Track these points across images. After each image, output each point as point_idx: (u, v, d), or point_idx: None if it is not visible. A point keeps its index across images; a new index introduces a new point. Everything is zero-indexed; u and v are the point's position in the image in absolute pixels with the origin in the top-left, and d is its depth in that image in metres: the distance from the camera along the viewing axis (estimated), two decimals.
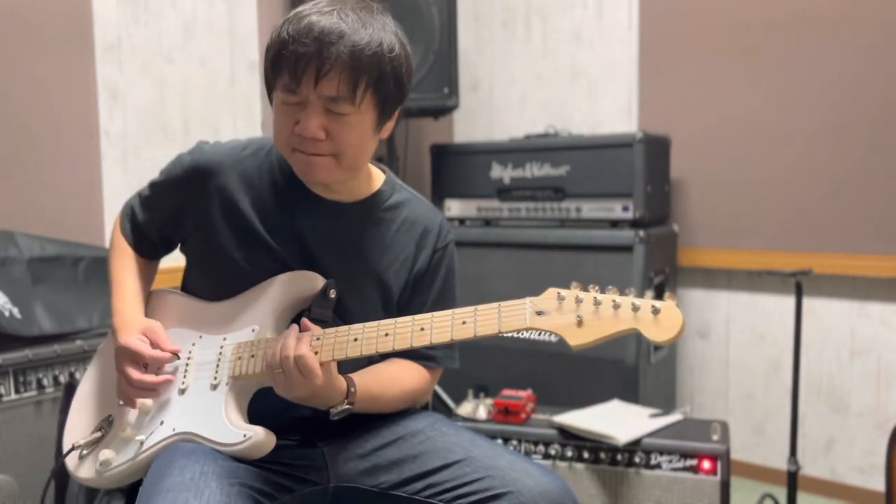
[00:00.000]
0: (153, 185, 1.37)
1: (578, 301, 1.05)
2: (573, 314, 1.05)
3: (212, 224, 1.28)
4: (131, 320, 1.30)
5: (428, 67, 2.60)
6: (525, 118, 3.26)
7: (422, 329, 1.12)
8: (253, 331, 1.23)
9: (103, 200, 2.31)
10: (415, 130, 3.22)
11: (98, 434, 1.25)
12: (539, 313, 1.07)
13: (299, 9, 1.17)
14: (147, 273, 1.42)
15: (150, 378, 1.22)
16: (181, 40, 2.49)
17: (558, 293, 1.07)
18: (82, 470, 1.26)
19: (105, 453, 1.23)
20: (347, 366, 1.24)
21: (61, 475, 1.41)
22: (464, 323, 1.10)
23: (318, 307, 1.22)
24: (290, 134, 1.18)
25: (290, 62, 1.13)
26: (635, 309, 1.03)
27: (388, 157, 2.78)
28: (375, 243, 1.31)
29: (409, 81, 1.22)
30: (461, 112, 3.23)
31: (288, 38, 1.13)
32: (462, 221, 2.85)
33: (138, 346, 1.22)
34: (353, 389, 1.19)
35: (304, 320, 1.19)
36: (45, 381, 1.86)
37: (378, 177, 1.36)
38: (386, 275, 1.30)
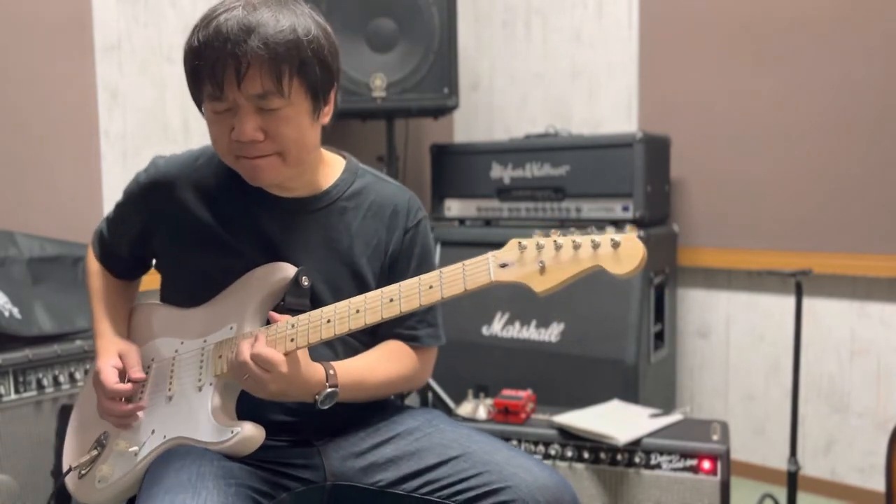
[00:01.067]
0: (117, 207, 1.37)
1: (540, 248, 1.05)
2: (535, 262, 1.05)
3: (177, 239, 1.28)
4: (111, 343, 1.30)
5: (428, 67, 2.60)
6: (525, 118, 3.26)
7: (391, 300, 1.12)
8: (231, 328, 1.23)
9: (103, 200, 2.31)
10: (415, 130, 3.22)
11: (94, 452, 1.26)
12: (503, 266, 1.07)
13: (207, 11, 1.15)
14: (126, 293, 1.42)
15: (118, 407, 1.22)
16: (181, 40, 2.48)
17: (519, 243, 1.07)
18: (82, 490, 1.26)
19: (103, 469, 1.23)
20: (333, 359, 1.24)
21: (61, 497, 1.41)
22: (430, 287, 1.10)
23: (292, 297, 1.21)
24: (228, 142, 1.16)
25: (208, 70, 1.11)
26: (595, 246, 1.03)
27: (388, 156, 2.77)
28: (343, 233, 1.29)
29: (335, 61, 1.19)
30: (461, 112, 3.23)
31: (199, 46, 1.11)
32: (462, 221, 2.85)
33: (104, 377, 1.23)
34: (332, 372, 1.18)
35: (271, 313, 1.18)
36: (45, 381, 1.86)
37: (337, 165, 1.34)
38: (359, 263, 1.29)
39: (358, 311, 1.13)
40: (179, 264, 1.31)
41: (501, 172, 2.72)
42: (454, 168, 2.85)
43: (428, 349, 1.39)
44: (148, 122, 2.42)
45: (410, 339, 1.36)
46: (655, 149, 2.58)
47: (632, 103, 2.98)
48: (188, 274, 1.30)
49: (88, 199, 2.29)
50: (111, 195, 2.32)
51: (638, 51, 2.95)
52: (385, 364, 1.31)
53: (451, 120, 3.43)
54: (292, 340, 1.14)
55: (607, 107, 3.04)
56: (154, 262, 1.39)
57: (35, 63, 2.15)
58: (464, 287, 1.08)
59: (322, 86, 1.17)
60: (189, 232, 1.26)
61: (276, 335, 1.16)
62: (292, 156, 1.18)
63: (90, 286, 1.40)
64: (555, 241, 1.05)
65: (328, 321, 1.14)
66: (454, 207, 2.85)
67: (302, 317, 1.16)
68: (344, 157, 1.36)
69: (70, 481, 1.27)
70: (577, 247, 1.03)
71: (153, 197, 1.28)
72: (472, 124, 3.41)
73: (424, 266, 1.36)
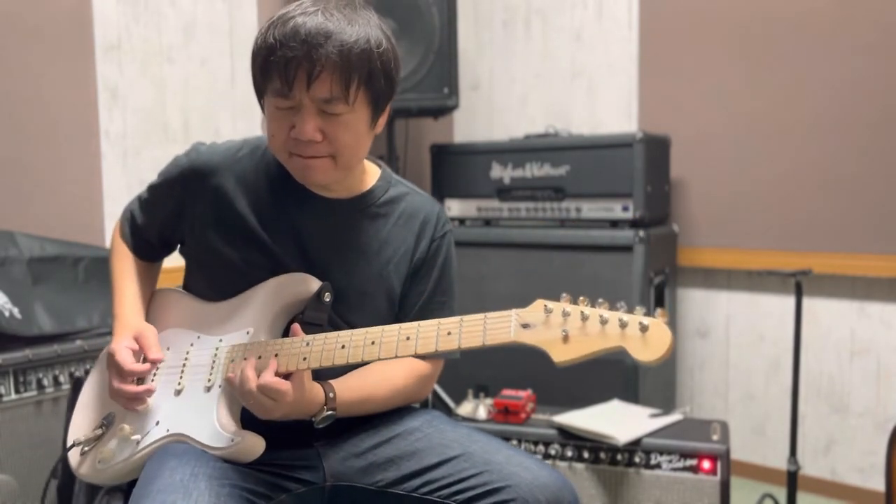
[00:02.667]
0: (151, 189, 1.37)
1: (565, 314, 1.03)
2: (559, 329, 1.02)
3: (209, 225, 1.28)
4: (128, 324, 1.30)
5: (428, 67, 2.60)
6: (525, 118, 3.26)
7: (407, 338, 1.11)
8: (248, 333, 1.24)
9: (103, 200, 2.31)
10: (415, 130, 3.22)
11: (99, 431, 1.27)
12: (525, 326, 1.05)
13: (283, 11, 1.17)
14: (148, 275, 1.42)
15: (128, 388, 1.22)
16: (181, 40, 2.49)
17: (545, 305, 1.05)
18: (83, 466, 1.27)
19: (104, 451, 1.24)
20: (338, 369, 1.23)
21: (66, 471, 1.42)
22: (449, 334, 1.09)
23: (311, 311, 1.22)
24: (286, 139, 1.18)
25: (280, 67, 1.13)
26: (623, 325, 1.00)
27: (388, 156, 2.78)
28: (373, 239, 1.31)
29: (398, 75, 1.23)
30: (461, 112, 3.23)
31: (275, 43, 1.13)
32: (462, 221, 2.85)
33: (120, 357, 1.23)
34: (331, 395, 1.19)
35: (295, 326, 1.19)
36: (45, 381, 1.85)
37: (374, 172, 1.36)
38: (386, 270, 1.30)
39: (373, 343, 1.13)
40: (207, 252, 1.30)
41: (501, 172, 2.72)
42: (454, 168, 2.85)
43: (438, 361, 1.40)
44: (148, 122, 2.42)
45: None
46: (655, 149, 2.58)
47: (632, 103, 2.98)
48: (213, 263, 1.30)
49: (88, 199, 2.28)
50: (111, 195, 2.32)
51: (638, 51, 2.95)
52: (390, 381, 1.31)
53: (451, 120, 3.43)
54: (304, 359, 1.14)
55: (607, 107, 3.04)
56: (179, 247, 1.39)
57: (35, 63, 2.15)
58: (482, 341, 1.06)
59: (383, 97, 1.21)
60: (222, 220, 1.27)
61: (290, 350, 1.16)
62: (344, 160, 1.20)
63: (113, 266, 1.40)
64: (582, 311, 1.02)
65: (343, 346, 1.14)
66: (454, 207, 2.85)
67: (318, 337, 1.16)
68: (379, 166, 1.39)
69: (73, 457, 1.29)
70: (603, 322, 1.01)
71: (192, 180, 1.29)
72: (472, 124, 3.41)
73: (445, 277, 1.37)
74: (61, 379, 1.89)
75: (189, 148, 1.33)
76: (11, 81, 2.11)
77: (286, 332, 1.22)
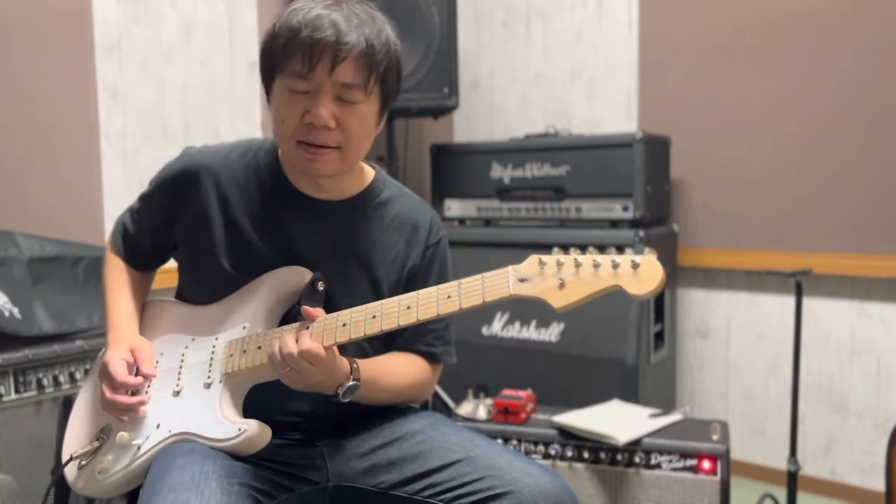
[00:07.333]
0: (143, 198, 1.37)
1: (559, 265, 1.06)
2: (555, 278, 1.06)
3: (201, 226, 1.28)
4: (123, 336, 1.30)
5: (428, 67, 2.60)
6: (525, 118, 3.26)
7: (408, 308, 1.13)
8: (244, 328, 1.24)
9: (103, 200, 2.31)
10: (415, 130, 3.22)
11: (96, 444, 1.25)
12: (522, 280, 1.08)
13: (298, 5, 1.18)
14: (141, 286, 1.42)
15: (121, 399, 1.22)
16: (181, 40, 2.49)
17: (540, 259, 1.08)
18: (81, 480, 1.25)
19: (103, 461, 1.23)
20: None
21: (61, 487, 1.40)
22: (448, 297, 1.11)
23: (307, 300, 1.21)
24: (297, 124, 1.17)
25: (306, 47, 1.13)
26: (615, 266, 1.04)
27: (388, 156, 2.78)
28: (365, 240, 1.30)
29: (401, 80, 1.26)
30: (461, 112, 3.23)
31: (301, 26, 1.14)
32: (462, 221, 2.85)
33: (113, 369, 1.23)
34: (355, 366, 1.19)
35: (305, 308, 1.18)
36: (45, 381, 1.85)
37: (367, 174, 1.36)
38: (377, 271, 1.30)
39: (374, 317, 1.14)
40: (198, 255, 1.30)
41: (501, 172, 2.72)
42: (454, 168, 2.85)
43: (439, 365, 1.41)
44: (148, 122, 2.42)
45: (428, 356, 1.37)
46: (655, 149, 2.58)
47: (632, 103, 2.98)
48: (204, 265, 1.30)
49: (88, 199, 2.28)
50: (111, 195, 2.32)
51: (638, 51, 2.95)
52: (404, 372, 1.32)
53: (451, 120, 3.43)
54: None
55: (607, 107, 3.04)
56: (174, 253, 1.39)
57: (35, 63, 2.15)
58: (482, 299, 1.09)
59: (391, 97, 1.24)
60: (214, 221, 1.27)
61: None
62: (350, 152, 1.21)
63: (106, 278, 1.39)
64: (575, 258, 1.06)
65: (343, 325, 1.14)
66: (454, 207, 2.85)
67: (318, 320, 1.16)
68: (373, 168, 1.39)
69: (69, 471, 1.27)
70: (596, 265, 1.04)
71: (185, 183, 1.29)
72: (472, 124, 3.41)
73: (442, 282, 1.36)
74: (61, 379, 1.89)
75: (180, 153, 1.33)
76: (11, 81, 2.11)
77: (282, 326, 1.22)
